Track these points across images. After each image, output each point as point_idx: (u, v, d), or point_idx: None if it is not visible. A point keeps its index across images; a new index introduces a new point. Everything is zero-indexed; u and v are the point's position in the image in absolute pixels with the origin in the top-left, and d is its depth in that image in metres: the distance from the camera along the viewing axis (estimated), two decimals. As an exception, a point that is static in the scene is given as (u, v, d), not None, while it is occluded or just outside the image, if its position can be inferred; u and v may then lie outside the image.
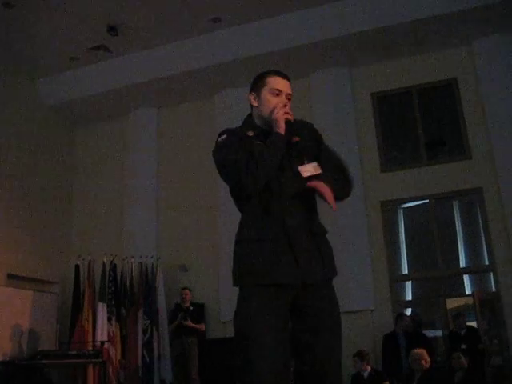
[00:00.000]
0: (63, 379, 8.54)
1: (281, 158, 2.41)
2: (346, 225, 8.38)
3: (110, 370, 8.13)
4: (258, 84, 2.61)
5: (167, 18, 8.67)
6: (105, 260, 8.79)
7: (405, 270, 8.86)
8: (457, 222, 8.90)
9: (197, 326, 8.06)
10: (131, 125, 10.37)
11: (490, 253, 8.27)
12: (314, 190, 2.39)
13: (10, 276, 8.81)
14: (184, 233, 9.46)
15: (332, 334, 2.38)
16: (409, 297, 9.18)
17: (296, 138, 2.46)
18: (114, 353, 8.32)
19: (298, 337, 2.35)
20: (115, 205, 10.04)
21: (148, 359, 8.41)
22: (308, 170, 2.45)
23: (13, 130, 9.40)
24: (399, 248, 8.95)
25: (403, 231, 9.05)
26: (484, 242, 8.43)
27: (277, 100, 2.52)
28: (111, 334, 8.41)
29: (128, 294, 8.78)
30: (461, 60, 8.92)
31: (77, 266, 8.89)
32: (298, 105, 9.29)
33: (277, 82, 2.56)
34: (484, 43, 8.67)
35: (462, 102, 8.85)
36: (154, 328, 8.56)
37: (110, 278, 8.72)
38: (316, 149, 2.59)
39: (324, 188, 2.33)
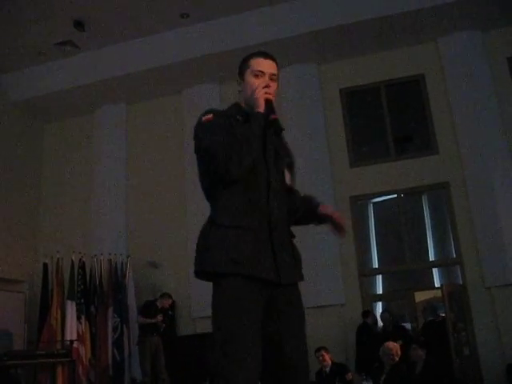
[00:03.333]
0: (32, 380, 8.48)
1: (262, 136, 2.39)
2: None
3: (80, 370, 8.16)
4: (241, 68, 2.58)
5: (135, 13, 8.71)
6: (73, 258, 8.77)
7: (375, 264, 9.04)
8: (425, 217, 9.09)
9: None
10: (100, 120, 10.38)
11: (456, 246, 8.47)
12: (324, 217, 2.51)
13: (-25, 275, 8.73)
14: (153, 228, 9.48)
15: (301, 335, 2.36)
16: (379, 290, 9.39)
17: (274, 116, 2.41)
18: (84, 352, 8.33)
19: (268, 336, 2.30)
20: (83, 202, 10.04)
21: (118, 357, 8.44)
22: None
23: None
24: (369, 242, 9.12)
25: (373, 226, 9.24)
26: (451, 236, 8.63)
27: (259, 81, 2.49)
28: (81, 333, 8.42)
29: (97, 292, 8.78)
30: (427, 57, 9.12)
31: (45, 265, 8.88)
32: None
33: (258, 63, 2.53)
34: (449, 40, 8.90)
35: (429, 98, 9.06)
36: (125, 326, 8.59)
37: (79, 276, 8.74)
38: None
39: (342, 219, 2.44)
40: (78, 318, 8.48)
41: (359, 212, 9.14)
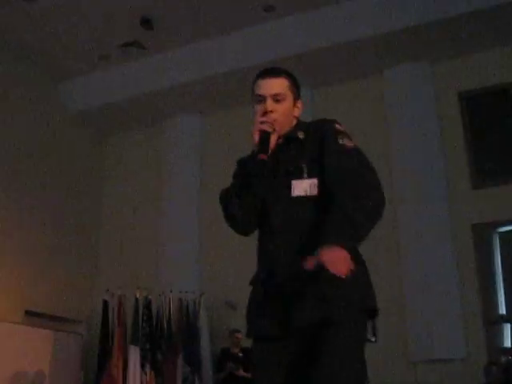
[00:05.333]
0: None
1: (258, 175, 2.48)
2: (428, 255, 8.11)
3: (145, 427, 7.95)
4: (251, 95, 2.61)
5: (212, 7, 8.53)
6: (138, 295, 8.61)
7: (502, 310, 8.38)
8: None
9: (248, 375, 7.69)
10: (170, 134, 10.24)
11: None
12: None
13: (29, 313, 8.77)
14: (232, 261, 9.14)
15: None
16: (507, 343, 8.54)
17: (263, 156, 2.41)
18: (149, 406, 8.14)
19: None
20: (151, 230, 9.89)
21: (189, 414, 8.22)
22: (301, 187, 2.44)
23: (33, 142, 9.34)
24: (495, 282, 8.49)
25: (499, 261, 8.61)
26: None
27: (259, 108, 2.53)
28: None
29: (165, 336, 8.58)
30: None
31: (105, 302, 8.68)
32: (369, 108, 9.02)
33: (257, 87, 2.55)
34: None
35: None
36: (196, 377, 8.35)
37: (144, 317, 8.51)
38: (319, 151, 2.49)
39: (332, 264, 2.10)
40: (143, 367, 8.25)
41: (483, 244, 8.49)
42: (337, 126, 2.53)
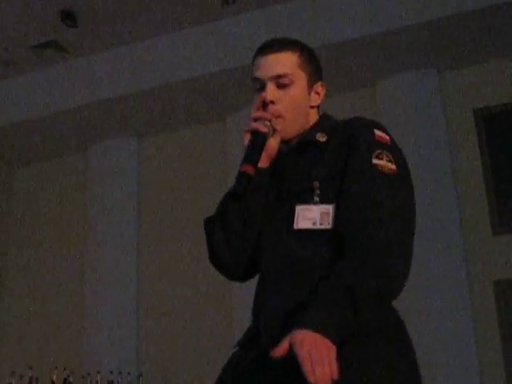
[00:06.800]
0: None
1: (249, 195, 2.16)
2: (443, 315, 7.49)
3: None
4: None
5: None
6: (54, 378, 7.89)
7: None
8: None
9: None
10: (97, 162, 9.42)
11: None
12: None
13: None
14: (176, 335, 8.55)
15: None
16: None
17: (246, 168, 2.03)
18: None
19: None
20: (71, 288, 9.04)
21: None
22: (308, 216, 2.02)
23: None
24: None
25: None
26: None
27: (257, 99, 2.19)
28: None
29: None
30: None
31: None
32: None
33: (255, 68, 2.20)
34: None
35: None
36: None
37: None
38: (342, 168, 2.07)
39: (307, 362, 1.64)
40: None
41: (507, 303, 7.75)
42: (377, 133, 2.08)
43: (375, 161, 2.01)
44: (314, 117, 2.22)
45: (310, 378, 1.61)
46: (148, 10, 7.94)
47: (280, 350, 1.71)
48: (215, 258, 2.23)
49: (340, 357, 1.71)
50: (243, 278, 2.30)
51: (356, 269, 1.84)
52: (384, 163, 2.02)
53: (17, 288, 9.53)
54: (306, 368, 1.63)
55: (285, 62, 2.14)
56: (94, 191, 9.34)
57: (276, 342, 1.81)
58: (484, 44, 7.89)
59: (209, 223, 2.24)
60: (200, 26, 8.31)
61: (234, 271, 2.25)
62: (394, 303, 2.09)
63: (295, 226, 2.05)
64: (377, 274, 1.86)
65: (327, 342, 1.68)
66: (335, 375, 1.64)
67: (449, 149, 8.11)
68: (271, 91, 2.12)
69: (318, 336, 1.68)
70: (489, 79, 8.22)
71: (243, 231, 2.17)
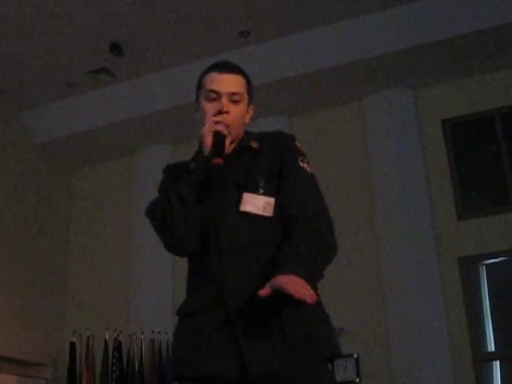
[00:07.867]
0: None
1: (208, 185, 2.25)
2: (414, 289, 8.22)
3: None
4: (196, 89, 2.46)
5: (185, 33, 8.62)
6: (107, 337, 8.64)
7: (491, 347, 8.49)
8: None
9: None
10: (141, 166, 10.21)
11: None
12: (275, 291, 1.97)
13: (-12, 358, 8.67)
14: None
15: None
16: (497, 382, 8.69)
17: (217, 160, 2.18)
18: None
19: None
20: (121, 267, 9.82)
21: None
22: (254, 203, 2.25)
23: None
24: (483, 318, 8.61)
25: (487, 295, 8.72)
26: None
27: (210, 106, 2.32)
28: (115, 432, 8.15)
29: (137, 379, 8.49)
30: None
31: (72, 344, 8.71)
32: (348, 135, 9.11)
33: (212, 80, 2.36)
34: None
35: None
36: None
37: (114, 360, 8.50)
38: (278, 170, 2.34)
39: (294, 287, 1.90)
40: (113, 414, 8.20)
41: (470, 278, 8.63)
42: (297, 144, 2.42)
43: (301, 164, 2.34)
44: (243, 130, 2.42)
45: (296, 295, 1.84)
46: (174, 40, 8.67)
47: (264, 291, 1.93)
48: (172, 236, 2.25)
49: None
50: (186, 252, 2.36)
51: (308, 234, 2.16)
52: (306, 166, 2.35)
53: (78, 266, 10.21)
54: (291, 290, 1.86)
55: (238, 83, 2.36)
56: (139, 190, 9.91)
57: (246, 304, 2.09)
58: (450, 66, 8.72)
59: (160, 203, 2.31)
60: (220, 55, 8.35)
61: (185, 246, 2.28)
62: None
63: (241, 209, 2.24)
64: (324, 237, 2.20)
65: (302, 280, 1.93)
66: (314, 297, 1.89)
67: (422, 152, 8.90)
68: (227, 103, 2.30)
69: (293, 276, 1.93)
70: (454, 95, 8.98)
71: (200, 211, 2.23)
